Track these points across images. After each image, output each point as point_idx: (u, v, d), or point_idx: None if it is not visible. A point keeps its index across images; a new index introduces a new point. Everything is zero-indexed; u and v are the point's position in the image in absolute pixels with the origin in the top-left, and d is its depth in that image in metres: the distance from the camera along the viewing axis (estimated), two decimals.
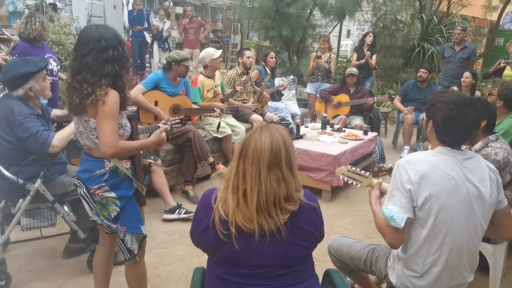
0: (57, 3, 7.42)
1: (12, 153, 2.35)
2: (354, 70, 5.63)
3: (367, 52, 6.41)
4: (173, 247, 3.04)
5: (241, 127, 4.58)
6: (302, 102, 6.90)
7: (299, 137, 4.38)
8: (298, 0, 8.38)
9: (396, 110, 6.13)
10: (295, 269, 1.46)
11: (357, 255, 2.08)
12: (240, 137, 4.51)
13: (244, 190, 1.39)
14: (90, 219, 2.06)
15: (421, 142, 5.55)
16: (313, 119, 6.24)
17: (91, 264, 2.55)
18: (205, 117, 4.42)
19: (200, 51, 6.16)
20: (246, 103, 5.15)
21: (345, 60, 10.06)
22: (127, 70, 1.91)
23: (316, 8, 8.97)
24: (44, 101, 2.48)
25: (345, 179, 2.09)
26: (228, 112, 4.50)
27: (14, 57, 3.31)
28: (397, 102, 5.84)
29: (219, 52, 4.53)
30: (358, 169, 2.08)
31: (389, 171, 2.36)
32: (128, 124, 1.98)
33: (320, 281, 1.65)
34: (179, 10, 11.92)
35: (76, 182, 2.01)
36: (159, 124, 2.17)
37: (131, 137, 2.02)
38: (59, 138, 2.36)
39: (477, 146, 2.43)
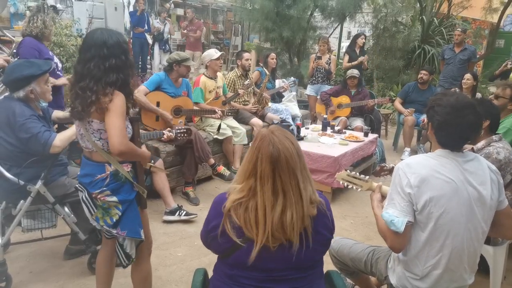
0: (58, 4, 7.45)
1: (13, 154, 2.35)
2: (355, 72, 5.62)
3: (365, 56, 6.36)
4: (174, 249, 3.04)
5: (241, 129, 4.59)
6: (302, 104, 6.90)
7: (300, 138, 4.38)
8: (299, 2, 8.40)
9: (397, 112, 6.13)
10: (310, 272, 1.46)
11: (357, 256, 2.08)
12: (240, 139, 4.52)
13: (284, 206, 1.34)
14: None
15: (422, 144, 5.55)
16: (314, 121, 6.24)
17: (92, 265, 2.56)
18: (206, 118, 4.43)
19: (202, 53, 6.18)
20: (247, 104, 5.16)
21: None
22: (132, 76, 1.89)
23: (316, 10, 8.99)
24: (44, 104, 2.47)
25: (345, 184, 2.08)
26: (229, 114, 4.51)
27: (16, 58, 3.32)
28: (397, 104, 5.84)
29: (219, 53, 4.53)
30: (357, 174, 2.07)
31: (391, 170, 2.36)
32: (130, 126, 1.98)
33: None
34: (180, 12, 11.95)
35: (78, 186, 2.00)
36: (164, 131, 2.13)
37: (132, 140, 2.01)
38: (61, 139, 2.36)
39: (479, 145, 2.45)
